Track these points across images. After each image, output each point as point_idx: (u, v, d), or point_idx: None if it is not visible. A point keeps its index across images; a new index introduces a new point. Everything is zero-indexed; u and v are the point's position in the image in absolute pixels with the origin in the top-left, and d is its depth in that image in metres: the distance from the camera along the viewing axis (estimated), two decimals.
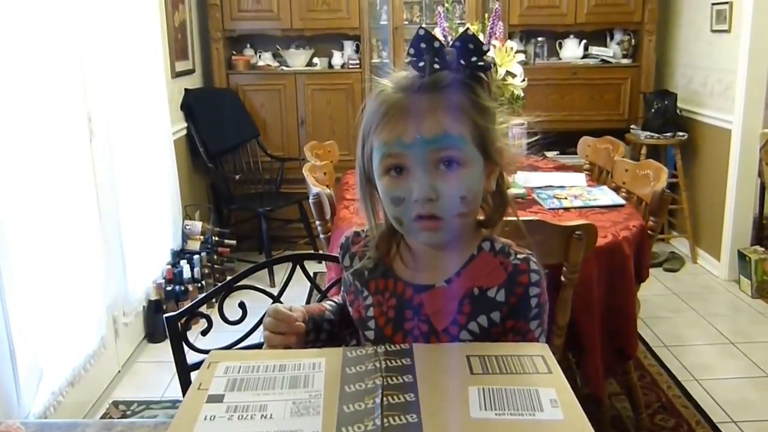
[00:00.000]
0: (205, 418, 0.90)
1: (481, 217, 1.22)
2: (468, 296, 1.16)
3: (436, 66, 1.10)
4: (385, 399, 0.92)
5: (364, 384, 0.96)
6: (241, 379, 0.99)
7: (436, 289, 1.18)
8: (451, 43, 1.12)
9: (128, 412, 3.04)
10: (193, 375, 1.08)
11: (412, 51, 1.12)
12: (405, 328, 1.19)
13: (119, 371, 3.38)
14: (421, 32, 1.11)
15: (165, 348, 1.44)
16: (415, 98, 1.09)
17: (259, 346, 1.52)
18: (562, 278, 2.19)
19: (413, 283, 1.20)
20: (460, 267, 1.18)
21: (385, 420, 0.88)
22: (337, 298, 1.42)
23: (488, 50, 1.10)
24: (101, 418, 2.99)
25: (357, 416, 0.89)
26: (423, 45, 1.11)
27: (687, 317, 3.95)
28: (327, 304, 1.37)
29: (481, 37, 3.23)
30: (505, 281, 1.16)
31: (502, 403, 0.91)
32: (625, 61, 5.11)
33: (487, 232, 1.22)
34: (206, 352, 1.13)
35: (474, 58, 1.11)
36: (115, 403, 3.11)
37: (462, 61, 1.11)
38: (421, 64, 1.11)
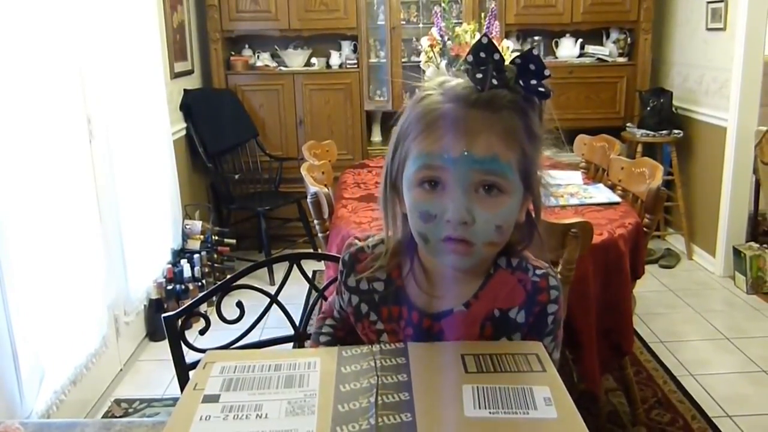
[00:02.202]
0: (201, 418, 0.91)
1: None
2: (489, 319, 1.12)
3: (494, 81, 1.02)
4: (379, 398, 0.93)
5: (359, 383, 0.97)
6: (236, 379, 1.00)
7: (455, 314, 1.13)
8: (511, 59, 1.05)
9: (130, 410, 3.06)
10: (192, 374, 1.09)
11: (470, 59, 1.03)
12: None
13: (121, 370, 3.40)
14: (484, 40, 1.03)
15: (166, 346, 1.45)
16: (469, 113, 1.02)
17: (256, 345, 1.54)
18: (559, 275, 2.20)
19: (429, 312, 1.15)
20: (477, 288, 1.14)
21: (380, 419, 0.88)
22: (331, 321, 1.38)
23: (549, 75, 1.06)
24: (103, 416, 3.01)
25: (352, 415, 0.90)
26: (483, 54, 1.02)
27: (683, 313, 3.97)
28: (323, 342, 1.34)
29: (477, 36, 3.25)
30: (525, 301, 1.12)
31: (496, 401, 0.91)
32: (621, 59, 5.11)
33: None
34: (205, 351, 1.13)
35: (534, 81, 1.04)
36: (117, 402, 3.13)
37: (521, 82, 1.03)
38: (479, 75, 1.02)
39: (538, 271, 1.14)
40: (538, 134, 1.07)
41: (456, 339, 1.12)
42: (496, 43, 1.04)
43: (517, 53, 1.06)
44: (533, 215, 1.14)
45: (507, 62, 1.05)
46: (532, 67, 1.04)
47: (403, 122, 1.09)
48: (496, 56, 1.02)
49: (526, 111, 1.04)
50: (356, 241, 1.26)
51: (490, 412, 0.90)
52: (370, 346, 1.07)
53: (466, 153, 1.00)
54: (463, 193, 1.01)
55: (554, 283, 1.14)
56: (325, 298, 1.67)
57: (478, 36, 3.02)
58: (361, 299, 1.21)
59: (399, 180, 1.09)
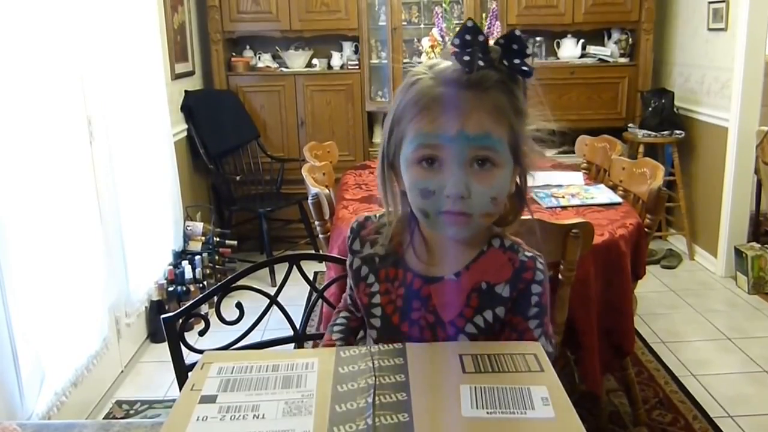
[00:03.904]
0: (198, 419, 0.91)
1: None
2: (476, 290, 1.17)
3: (480, 63, 1.07)
4: (377, 398, 0.93)
5: (357, 383, 0.97)
6: (234, 380, 1.00)
7: (444, 281, 1.19)
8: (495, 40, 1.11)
9: (131, 412, 3.06)
10: (190, 375, 1.09)
11: (457, 41, 1.08)
12: (412, 317, 1.20)
13: (122, 371, 3.41)
14: (470, 24, 1.08)
15: (167, 348, 1.46)
16: (461, 94, 1.07)
17: (255, 346, 1.55)
18: (560, 276, 2.20)
19: (422, 275, 1.20)
20: (469, 261, 1.19)
21: (377, 419, 0.88)
22: (345, 313, 1.44)
23: (531, 54, 1.09)
24: (104, 417, 3.02)
25: (349, 416, 0.90)
26: (468, 37, 1.07)
27: (684, 313, 3.97)
28: (336, 331, 1.39)
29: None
30: (511, 277, 1.17)
31: (494, 401, 0.91)
32: (622, 60, 5.11)
33: (498, 229, 1.22)
34: (204, 352, 1.14)
35: (517, 60, 1.09)
36: (119, 403, 3.14)
37: (505, 62, 1.09)
38: (466, 58, 1.07)
39: (527, 254, 1.20)
40: (524, 110, 1.13)
41: (442, 304, 1.18)
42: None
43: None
44: (522, 187, 1.20)
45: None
46: (515, 46, 1.08)
47: (397, 107, 1.14)
48: (481, 38, 1.08)
49: (511, 89, 1.10)
50: (365, 214, 1.34)
51: (487, 412, 0.90)
52: (368, 347, 1.08)
53: (461, 131, 1.06)
54: (459, 169, 1.07)
55: (541, 267, 1.19)
56: (325, 299, 1.68)
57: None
58: (362, 262, 1.28)
59: (396, 160, 1.16)
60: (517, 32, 1.09)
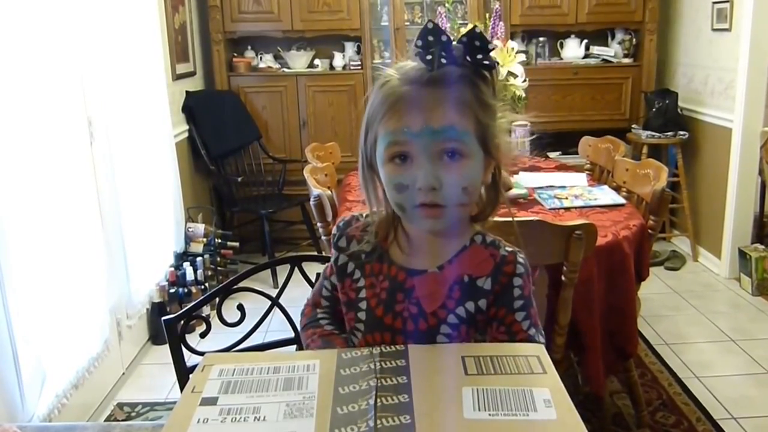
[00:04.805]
0: (198, 421, 0.91)
1: (474, 212, 1.25)
2: (458, 283, 1.20)
3: (443, 60, 1.12)
4: (378, 400, 0.92)
5: (358, 385, 0.97)
6: (234, 382, 1.00)
7: (428, 274, 1.21)
8: (457, 38, 1.14)
9: (133, 414, 3.06)
10: (191, 377, 1.09)
11: (419, 43, 1.13)
12: (395, 309, 1.22)
13: (123, 373, 3.40)
14: (430, 25, 1.13)
15: (169, 350, 1.47)
16: (424, 90, 1.12)
17: (257, 348, 1.54)
18: (563, 278, 2.20)
19: (407, 268, 1.23)
20: (452, 255, 1.22)
21: (379, 421, 0.88)
22: (320, 310, 1.40)
23: (493, 49, 1.12)
24: (106, 420, 3.01)
25: (350, 418, 0.89)
26: (431, 38, 1.12)
27: (688, 315, 3.95)
28: (322, 317, 1.38)
29: None
30: (492, 270, 1.20)
31: (496, 403, 0.91)
32: (626, 60, 5.10)
33: (479, 226, 1.25)
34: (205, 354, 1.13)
35: (479, 56, 1.13)
36: (120, 405, 3.13)
37: (468, 58, 1.13)
38: (429, 57, 1.12)
39: (508, 249, 1.23)
40: (491, 103, 1.16)
41: (425, 296, 1.21)
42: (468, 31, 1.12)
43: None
44: (497, 178, 1.24)
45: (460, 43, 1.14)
46: (477, 43, 1.13)
47: (369, 108, 1.19)
48: (443, 38, 1.12)
49: (475, 83, 1.14)
50: (353, 213, 1.37)
51: (489, 414, 0.90)
52: (370, 349, 1.08)
53: (426, 126, 1.10)
54: (428, 162, 1.11)
55: (521, 261, 1.21)
56: None
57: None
58: (349, 258, 1.30)
59: (374, 160, 1.20)
60: (478, 29, 1.13)
